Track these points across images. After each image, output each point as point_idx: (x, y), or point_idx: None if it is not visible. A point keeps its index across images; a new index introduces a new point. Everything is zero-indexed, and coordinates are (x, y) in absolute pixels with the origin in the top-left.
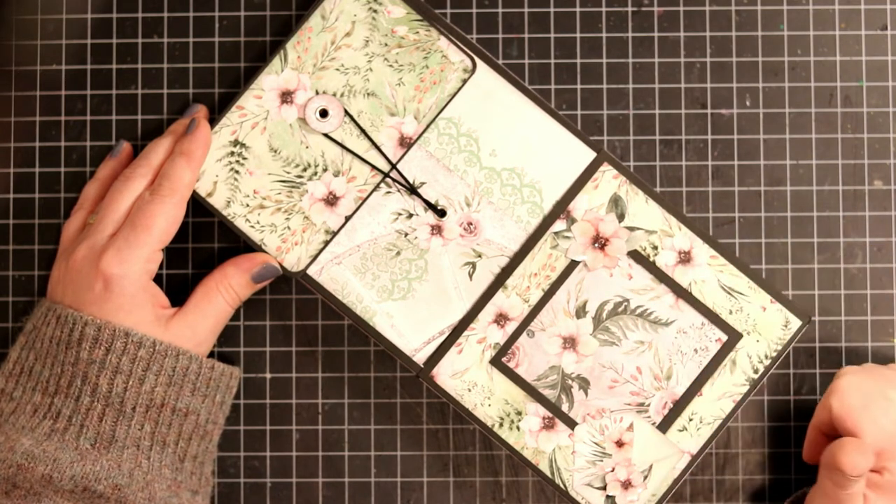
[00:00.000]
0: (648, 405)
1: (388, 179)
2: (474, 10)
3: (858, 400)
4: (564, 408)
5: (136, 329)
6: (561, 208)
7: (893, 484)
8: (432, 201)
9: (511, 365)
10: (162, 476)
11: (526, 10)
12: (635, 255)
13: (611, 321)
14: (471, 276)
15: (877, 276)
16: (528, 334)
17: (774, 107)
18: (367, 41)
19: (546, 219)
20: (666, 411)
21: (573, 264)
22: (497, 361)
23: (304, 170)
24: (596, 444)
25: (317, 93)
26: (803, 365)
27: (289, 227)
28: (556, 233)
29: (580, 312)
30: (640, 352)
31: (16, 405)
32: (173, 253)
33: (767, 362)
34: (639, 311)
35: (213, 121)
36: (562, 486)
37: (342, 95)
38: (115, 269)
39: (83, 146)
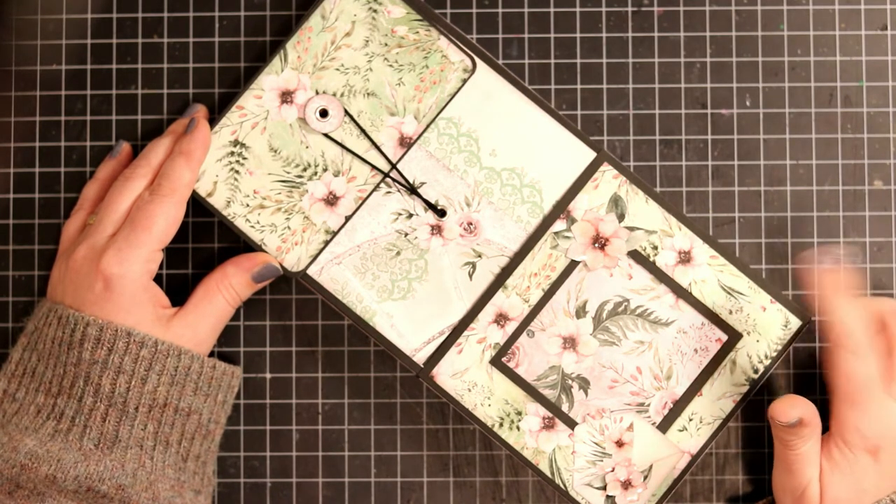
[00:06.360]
0: (648, 405)
1: (388, 179)
2: (474, 10)
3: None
4: (564, 408)
5: (137, 329)
6: (561, 208)
7: (851, 460)
8: (432, 201)
9: (511, 365)
10: (165, 476)
11: (526, 10)
12: (635, 255)
13: (611, 321)
14: (471, 276)
15: (877, 276)
16: (528, 334)
17: (774, 107)
18: (367, 41)
19: (546, 219)
20: (666, 411)
21: (573, 264)
22: (497, 361)
23: (304, 170)
24: (596, 444)
25: (317, 93)
26: (803, 365)
27: (289, 227)
28: (556, 233)
29: (580, 312)
30: (640, 352)
31: (19, 406)
32: (173, 253)
33: (767, 362)
34: (639, 311)
35: (213, 121)
36: (562, 486)
37: (342, 95)
38: (116, 269)
39: (83, 146)
